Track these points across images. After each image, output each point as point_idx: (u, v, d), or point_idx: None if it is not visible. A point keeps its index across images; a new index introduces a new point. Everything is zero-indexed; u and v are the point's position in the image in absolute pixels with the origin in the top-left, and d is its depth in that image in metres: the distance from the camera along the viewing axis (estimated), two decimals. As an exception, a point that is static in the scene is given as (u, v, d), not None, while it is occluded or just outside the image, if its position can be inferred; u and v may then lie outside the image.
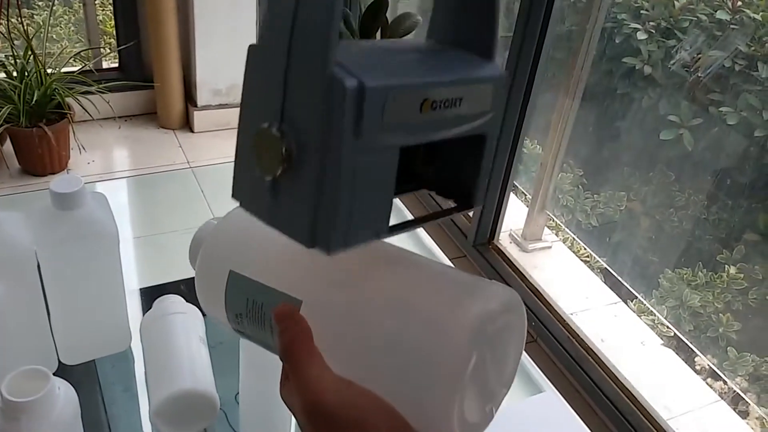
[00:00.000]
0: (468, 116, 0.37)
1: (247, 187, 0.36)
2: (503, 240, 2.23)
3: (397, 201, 0.43)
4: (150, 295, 0.87)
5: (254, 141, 0.34)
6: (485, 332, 0.36)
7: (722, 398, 1.80)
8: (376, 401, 0.36)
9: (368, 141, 0.32)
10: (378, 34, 2.65)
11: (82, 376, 0.80)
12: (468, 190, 0.41)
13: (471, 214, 2.22)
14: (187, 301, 0.82)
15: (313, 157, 0.32)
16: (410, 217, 0.40)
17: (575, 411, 0.86)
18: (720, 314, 1.83)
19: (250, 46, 0.34)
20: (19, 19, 2.45)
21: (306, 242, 0.34)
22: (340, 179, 0.32)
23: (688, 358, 1.89)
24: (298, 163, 0.33)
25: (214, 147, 2.85)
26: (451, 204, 0.42)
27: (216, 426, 0.76)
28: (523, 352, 0.98)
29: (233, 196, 0.37)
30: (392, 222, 0.37)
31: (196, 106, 2.90)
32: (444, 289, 0.39)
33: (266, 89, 0.34)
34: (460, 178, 0.41)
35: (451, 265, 1.16)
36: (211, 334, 0.81)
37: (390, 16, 2.71)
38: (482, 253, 2.19)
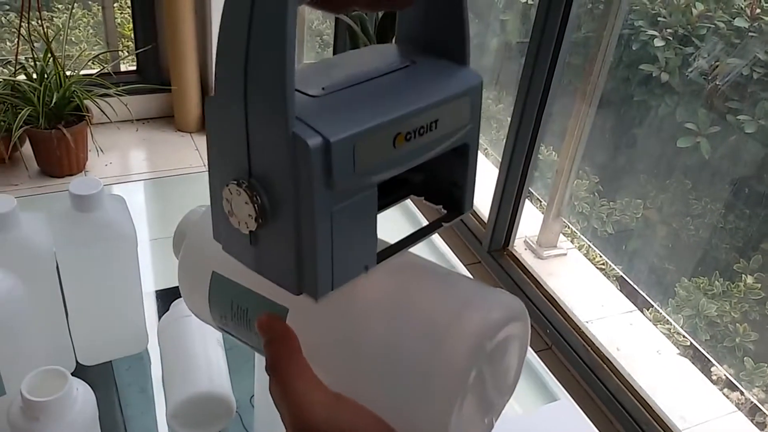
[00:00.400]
0: (446, 135, 0.35)
1: (226, 234, 0.35)
2: (518, 246, 2.22)
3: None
4: (167, 298, 0.87)
5: (226, 196, 0.33)
6: (486, 345, 0.34)
7: (739, 409, 1.78)
8: (367, 417, 0.35)
9: (342, 189, 0.31)
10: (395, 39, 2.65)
11: (98, 377, 0.80)
12: (456, 198, 0.39)
13: (486, 220, 2.22)
14: (203, 303, 0.83)
15: (287, 212, 0.31)
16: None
17: (590, 420, 0.85)
18: (737, 324, 1.81)
19: (207, 97, 0.32)
20: (39, 21, 2.48)
21: (292, 290, 0.33)
22: (317, 230, 0.31)
23: (705, 368, 1.87)
24: (272, 217, 0.32)
25: (230, 150, 2.86)
26: (442, 211, 0.40)
27: (231, 428, 0.76)
28: (539, 360, 0.98)
29: (215, 238, 0.36)
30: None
31: (212, 109, 2.92)
32: (445, 297, 0.37)
33: (230, 143, 0.32)
34: (446, 186, 0.39)
35: (466, 271, 1.16)
36: (227, 337, 0.81)
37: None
38: (497, 260, 2.19)
